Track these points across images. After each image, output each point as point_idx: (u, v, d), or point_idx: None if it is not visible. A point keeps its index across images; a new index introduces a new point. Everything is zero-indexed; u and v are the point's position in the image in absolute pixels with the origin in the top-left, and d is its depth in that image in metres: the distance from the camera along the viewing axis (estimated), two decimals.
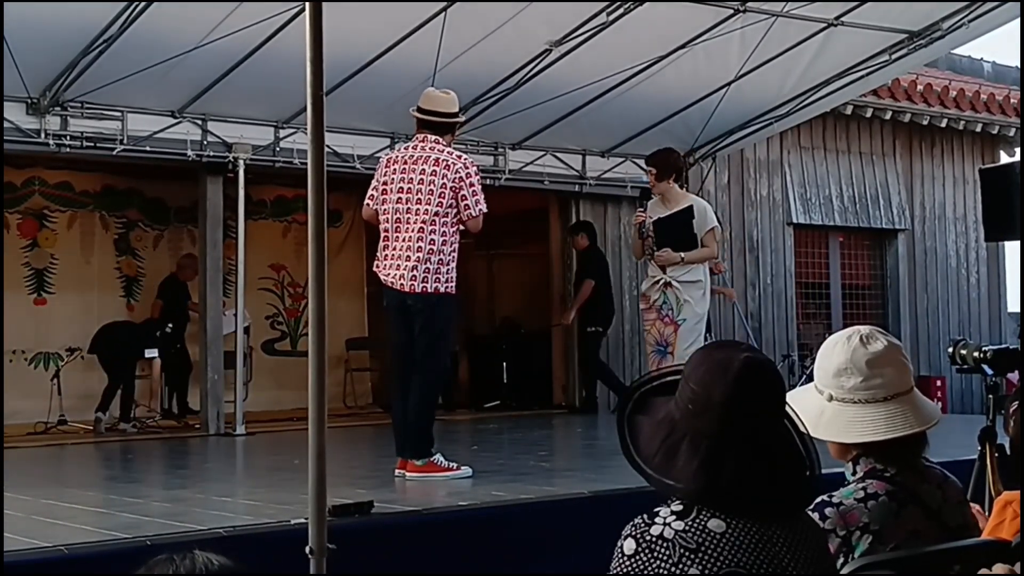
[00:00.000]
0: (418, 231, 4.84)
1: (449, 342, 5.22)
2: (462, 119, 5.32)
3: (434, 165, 4.88)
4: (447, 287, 4.89)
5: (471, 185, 4.89)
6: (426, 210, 4.84)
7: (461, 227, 4.94)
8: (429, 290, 4.85)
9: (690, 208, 5.98)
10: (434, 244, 4.84)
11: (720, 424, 1.65)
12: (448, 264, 4.88)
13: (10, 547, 3.28)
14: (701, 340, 5.97)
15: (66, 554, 3.23)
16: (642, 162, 9.48)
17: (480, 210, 4.91)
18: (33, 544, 3.34)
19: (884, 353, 2.03)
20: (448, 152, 4.96)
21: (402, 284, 4.86)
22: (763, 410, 1.68)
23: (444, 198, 4.85)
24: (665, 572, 1.59)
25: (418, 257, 4.83)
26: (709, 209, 6.12)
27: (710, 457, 1.64)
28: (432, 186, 4.85)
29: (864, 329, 2.07)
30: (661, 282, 5.94)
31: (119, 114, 7.39)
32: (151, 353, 8.57)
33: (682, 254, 5.88)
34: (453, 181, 4.85)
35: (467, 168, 4.93)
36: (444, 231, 4.86)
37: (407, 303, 4.89)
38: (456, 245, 4.95)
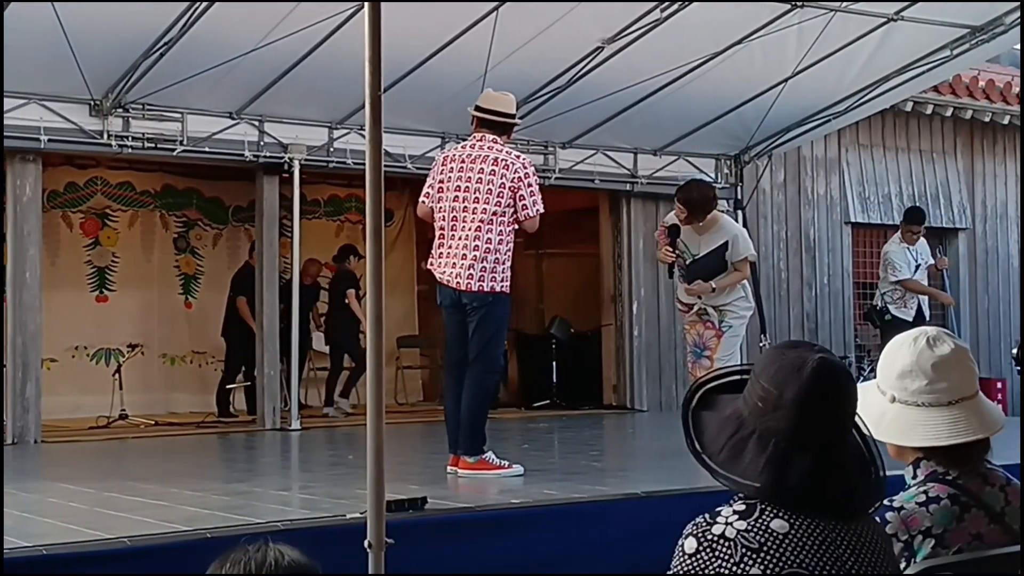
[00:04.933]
0: (475, 230, 4.85)
1: (503, 341, 5.23)
2: (519, 122, 5.33)
3: (493, 164, 4.89)
4: (502, 286, 4.90)
5: (529, 185, 4.90)
6: (484, 209, 4.85)
7: (517, 227, 4.95)
8: (485, 289, 4.86)
9: (725, 244, 5.95)
10: (491, 243, 4.85)
11: (790, 423, 1.63)
12: (504, 263, 4.89)
13: (74, 538, 3.38)
14: (738, 348, 6.03)
15: (129, 546, 3.30)
16: (696, 160, 9.47)
17: (537, 210, 4.92)
18: (96, 535, 3.42)
19: (950, 357, 1.99)
20: (507, 152, 4.96)
21: (458, 282, 4.88)
22: (834, 411, 1.67)
23: (503, 197, 4.86)
24: (726, 572, 1.58)
25: (475, 256, 4.84)
26: (743, 238, 6.04)
27: (778, 455, 1.62)
28: (491, 185, 4.86)
29: (931, 331, 2.02)
30: (695, 307, 6.01)
31: (179, 115, 7.51)
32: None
33: (713, 283, 5.89)
34: (512, 181, 4.86)
35: (526, 168, 4.94)
36: (501, 230, 4.87)
37: (462, 301, 4.90)
38: (512, 245, 4.96)
